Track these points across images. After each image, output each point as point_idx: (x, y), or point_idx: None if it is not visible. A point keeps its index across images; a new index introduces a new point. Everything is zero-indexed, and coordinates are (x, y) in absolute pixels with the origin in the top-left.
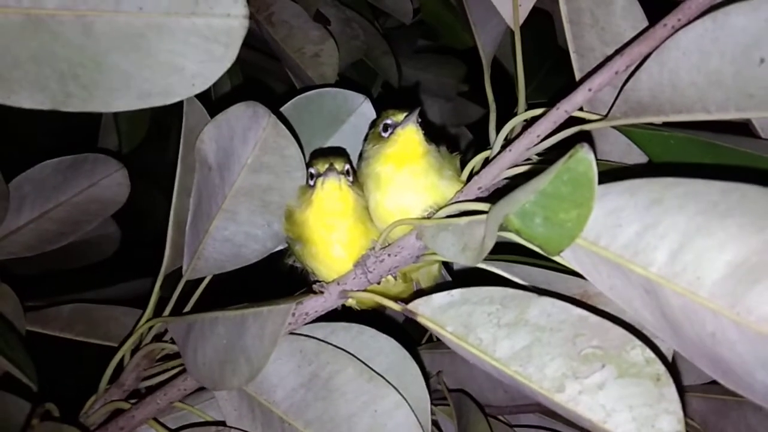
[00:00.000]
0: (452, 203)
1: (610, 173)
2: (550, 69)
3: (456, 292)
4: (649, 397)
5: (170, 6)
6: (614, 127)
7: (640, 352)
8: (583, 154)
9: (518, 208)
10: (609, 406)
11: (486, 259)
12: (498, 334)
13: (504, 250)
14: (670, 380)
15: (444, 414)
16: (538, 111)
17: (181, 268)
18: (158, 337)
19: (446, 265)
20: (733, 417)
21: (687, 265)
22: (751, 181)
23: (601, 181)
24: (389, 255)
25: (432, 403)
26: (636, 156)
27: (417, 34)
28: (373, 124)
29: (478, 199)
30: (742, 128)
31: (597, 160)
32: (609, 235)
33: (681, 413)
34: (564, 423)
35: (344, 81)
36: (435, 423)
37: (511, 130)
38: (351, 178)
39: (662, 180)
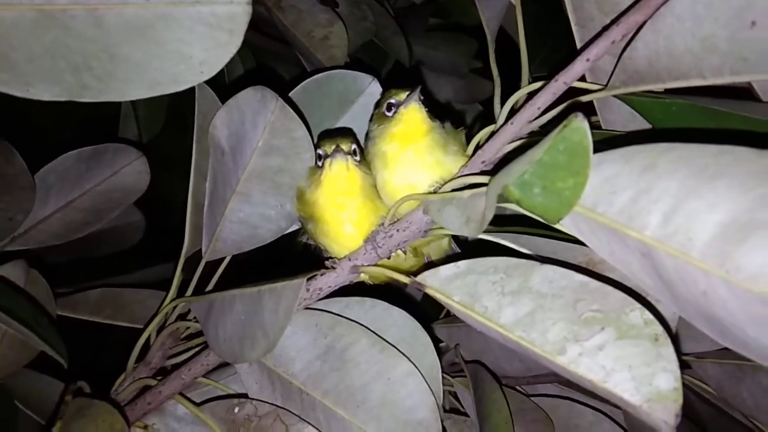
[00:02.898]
0: (457, 177)
1: (613, 141)
2: (556, 41)
3: (462, 263)
4: (647, 357)
5: None
6: (616, 96)
7: (639, 314)
8: (578, 123)
9: (517, 178)
10: (609, 366)
11: (494, 231)
12: (502, 302)
13: (512, 222)
14: (668, 340)
15: (462, 385)
16: (540, 84)
17: (200, 250)
18: (182, 317)
19: (456, 238)
20: (747, 381)
21: (679, 227)
22: (749, 143)
23: (603, 149)
24: (398, 230)
25: (450, 375)
26: (639, 124)
27: (428, 13)
28: (378, 105)
29: (482, 173)
30: (745, 92)
31: (600, 129)
32: (605, 201)
33: (678, 371)
34: (581, 392)
35: (355, 62)
36: (453, 394)
37: (515, 103)
38: (358, 158)
39: (656, 146)
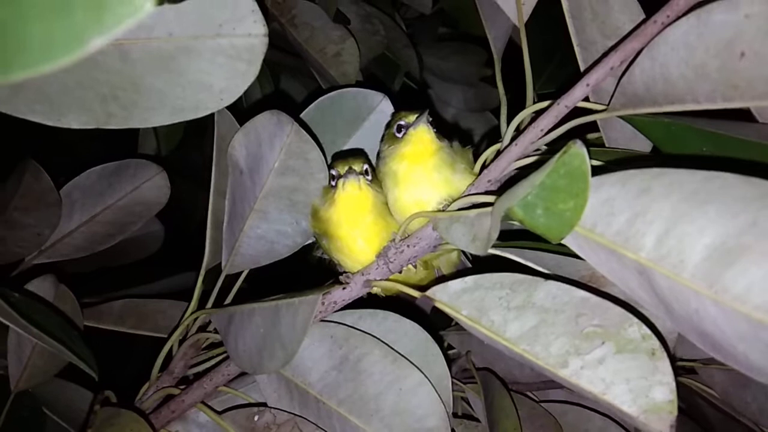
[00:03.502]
0: (464, 196)
1: (618, 161)
2: (564, 57)
3: (469, 279)
4: (644, 370)
5: (197, 30)
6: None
7: (637, 329)
8: (577, 149)
9: (521, 200)
10: (608, 379)
11: (501, 246)
12: (508, 316)
13: (519, 235)
14: (665, 354)
15: (473, 392)
16: (545, 104)
17: (220, 263)
18: (203, 328)
19: (466, 252)
20: (752, 387)
21: (671, 250)
22: (743, 164)
23: (607, 169)
24: (408, 246)
25: (462, 382)
26: (641, 141)
27: (437, 23)
28: (388, 125)
29: (487, 192)
30: (746, 112)
31: (604, 147)
32: (604, 222)
33: (674, 384)
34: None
35: (368, 74)
36: (465, 400)
37: (521, 122)
38: (369, 177)
39: (651, 170)
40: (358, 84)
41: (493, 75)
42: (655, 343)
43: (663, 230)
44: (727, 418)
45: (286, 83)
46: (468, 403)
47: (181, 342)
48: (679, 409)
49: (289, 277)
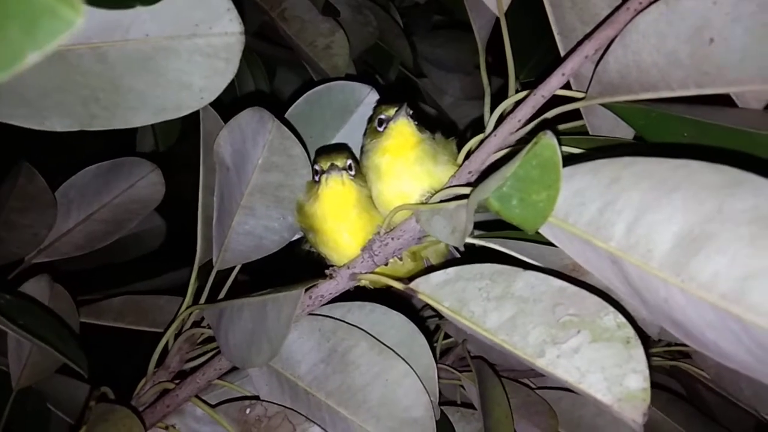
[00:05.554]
0: (446, 188)
1: (600, 148)
2: (549, 45)
3: (451, 270)
4: (619, 359)
5: (173, 30)
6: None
7: (612, 318)
8: (548, 140)
9: (496, 191)
10: (583, 368)
11: (487, 237)
12: (487, 307)
13: (507, 227)
14: (639, 342)
15: (468, 380)
16: (525, 93)
17: (212, 260)
18: (197, 323)
19: None
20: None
21: (640, 239)
22: (722, 151)
23: (588, 157)
24: (393, 239)
25: (458, 370)
26: (624, 128)
27: (432, 11)
28: (370, 120)
29: (467, 184)
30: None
31: (587, 135)
32: (576, 212)
33: (647, 372)
34: None
35: (363, 65)
36: (462, 387)
37: (504, 111)
38: (354, 172)
39: (622, 159)
40: (349, 76)
41: (489, 62)
42: (630, 331)
43: (632, 219)
44: (725, 402)
45: (281, 75)
46: (466, 391)
47: (176, 337)
48: (678, 393)
49: (282, 270)
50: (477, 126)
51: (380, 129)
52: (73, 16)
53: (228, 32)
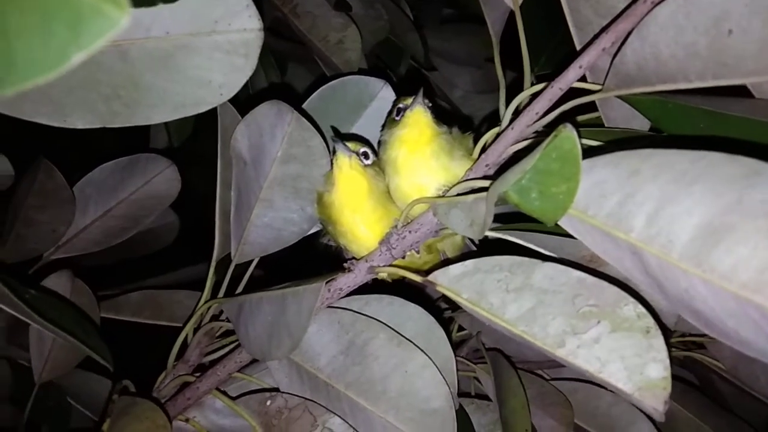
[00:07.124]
0: (463, 181)
1: (616, 141)
2: (563, 37)
3: (469, 262)
4: (639, 348)
5: (193, 27)
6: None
7: (632, 308)
8: (567, 132)
9: (515, 184)
10: (603, 357)
11: (503, 229)
12: (506, 299)
13: (523, 219)
14: (659, 332)
15: (483, 371)
16: (542, 86)
17: (230, 253)
18: (216, 317)
19: None
20: (761, 361)
21: (661, 230)
22: (740, 142)
23: (605, 149)
24: (410, 232)
25: (473, 362)
26: (640, 120)
27: (442, 4)
28: (389, 113)
29: (485, 177)
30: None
31: (603, 127)
32: (595, 205)
33: (668, 361)
34: None
35: (374, 59)
36: (477, 379)
37: (519, 104)
38: (368, 161)
39: (641, 152)
40: (361, 71)
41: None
42: (650, 321)
43: (652, 211)
44: (739, 392)
45: (293, 71)
46: (479, 382)
47: (195, 331)
48: (692, 384)
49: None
50: (491, 119)
51: (397, 118)
52: (119, 14)
53: (247, 28)
